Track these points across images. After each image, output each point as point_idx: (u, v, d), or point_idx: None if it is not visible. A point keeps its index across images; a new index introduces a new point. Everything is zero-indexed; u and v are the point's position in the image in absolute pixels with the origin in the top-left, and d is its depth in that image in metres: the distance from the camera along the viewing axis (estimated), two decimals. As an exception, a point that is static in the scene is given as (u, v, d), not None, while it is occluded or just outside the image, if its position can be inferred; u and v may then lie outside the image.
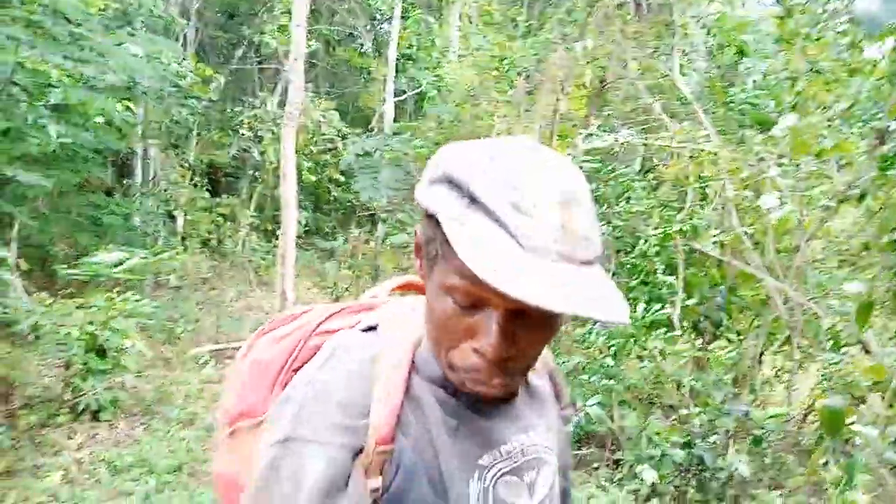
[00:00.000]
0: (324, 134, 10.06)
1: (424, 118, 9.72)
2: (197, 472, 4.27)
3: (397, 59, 10.29)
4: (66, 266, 4.78)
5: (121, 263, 4.70)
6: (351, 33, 12.08)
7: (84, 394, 4.72)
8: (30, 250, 5.57)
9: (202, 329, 7.40)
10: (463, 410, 0.79)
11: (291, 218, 7.35)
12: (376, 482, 0.74)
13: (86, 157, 5.71)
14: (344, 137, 9.30)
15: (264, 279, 9.97)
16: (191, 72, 7.78)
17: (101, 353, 4.90)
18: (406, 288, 1.00)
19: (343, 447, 0.73)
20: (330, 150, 9.61)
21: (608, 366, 4.19)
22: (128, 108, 5.32)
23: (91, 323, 4.73)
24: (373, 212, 11.21)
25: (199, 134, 10.39)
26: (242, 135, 10.16)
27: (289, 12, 7.83)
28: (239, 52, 11.42)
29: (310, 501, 0.69)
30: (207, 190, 10.49)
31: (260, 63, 11.66)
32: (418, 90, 10.73)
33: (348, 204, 11.67)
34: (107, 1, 4.71)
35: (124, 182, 9.49)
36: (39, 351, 4.53)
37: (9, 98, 4.65)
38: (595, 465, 4.29)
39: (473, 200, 0.68)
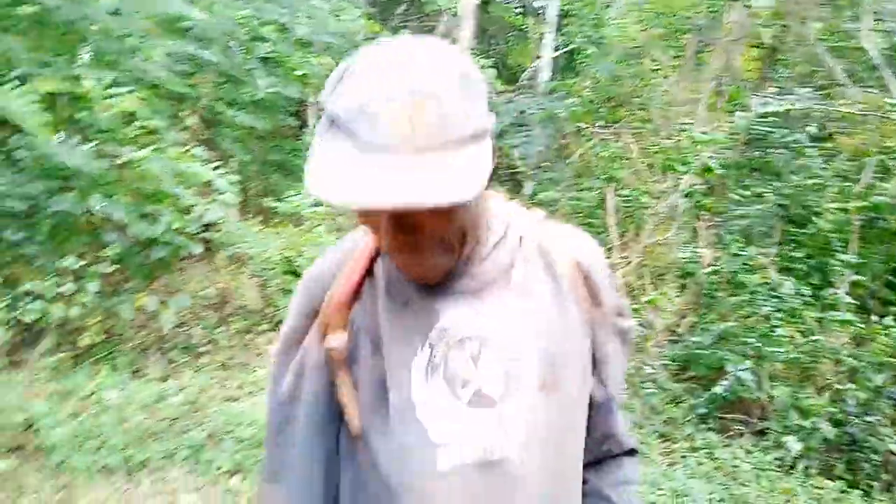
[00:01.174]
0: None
1: (579, 76, 9.71)
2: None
3: (557, 15, 10.30)
4: (274, 200, 5.49)
5: (319, 204, 5.35)
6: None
7: (280, 309, 5.50)
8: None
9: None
10: (413, 290, 0.86)
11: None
12: (338, 340, 0.87)
13: (282, 106, 6.42)
14: (500, 94, 9.54)
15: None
16: (363, 28, 8.34)
17: (295, 274, 5.67)
18: None
19: (301, 314, 0.93)
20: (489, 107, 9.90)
21: (764, 332, 4.21)
22: (322, 63, 5.90)
23: (287, 249, 5.48)
24: (516, 170, 11.48)
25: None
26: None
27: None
28: (400, 10, 11.89)
29: (272, 363, 0.95)
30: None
31: (420, 20, 12.08)
32: (570, 47, 10.68)
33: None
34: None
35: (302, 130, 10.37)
36: (248, 271, 5.32)
37: (227, 50, 5.37)
38: (740, 430, 4.34)
39: (331, 120, 0.72)
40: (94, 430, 3.41)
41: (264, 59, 5.53)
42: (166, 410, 3.72)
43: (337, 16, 7.00)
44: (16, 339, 4.09)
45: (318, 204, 5.54)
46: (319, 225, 5.67)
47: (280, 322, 4.81)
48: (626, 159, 8.06)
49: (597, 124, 8.54)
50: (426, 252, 0.79)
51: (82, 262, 3.98)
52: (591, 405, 0.94)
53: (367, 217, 0.79)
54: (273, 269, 5.40)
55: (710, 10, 6.31)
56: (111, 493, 3.13)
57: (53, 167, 3.79)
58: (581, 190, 8.23)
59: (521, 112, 9.79)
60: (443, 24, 11.20)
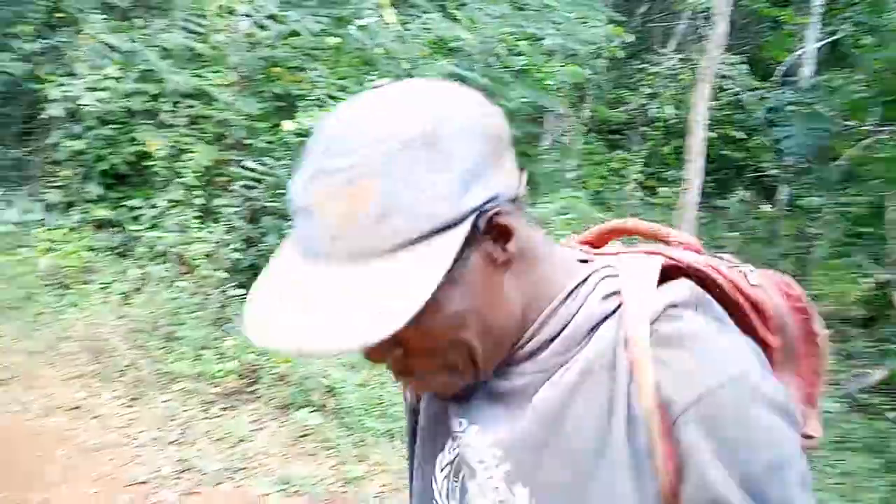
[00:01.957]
0: (725, 89, 9.78)
1: (849, 69, 8.68)
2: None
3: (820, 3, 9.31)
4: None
5: (567, 211, 5.59)
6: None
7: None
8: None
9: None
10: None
11: (695, 172, 7.49)
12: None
13: (527, 114, 6.75)
14: (752, 90, 8.92)
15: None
16: (608, 34, 8.37)
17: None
18: (617, 234, 0.81)
19: None
20: (737, 104, 9.31)
21: None
22: (573, 72, 6.10)
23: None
24: (765, 173, 10.59)
25: (598, 90, 11.07)
26: (642, 91, 10.51)
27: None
28: (642, 9, 11.67)
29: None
30: (603, 145, 11.20)
31: (663, 19, 11.74)
32: (835, 37, 9.57)
33: (736, 164, 11.18)
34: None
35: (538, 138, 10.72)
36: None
37: (488, 66, 5.81)
38: None
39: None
40: (379, 397, 3.98)
41: (518, 71, 5.87)
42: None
43: (584, 22, 7.15)
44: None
45: (565, 211, 5.73)
46: (567, 232, 5.88)
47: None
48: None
49: (871, 122, 7.59)
50: (426, 375, 0.65)
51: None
52: None
53: None
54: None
55: None
56: (393, 455, 3.64)
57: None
58: (852, 195, 7.34)
59: (773, 109, 9.05)
60: (685, 22, 10.78)
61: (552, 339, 0.64)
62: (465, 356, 0.62)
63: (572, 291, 0.64)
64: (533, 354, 0.65)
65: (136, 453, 3.56)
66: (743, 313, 0.68)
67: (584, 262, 0.70)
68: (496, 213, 0.58)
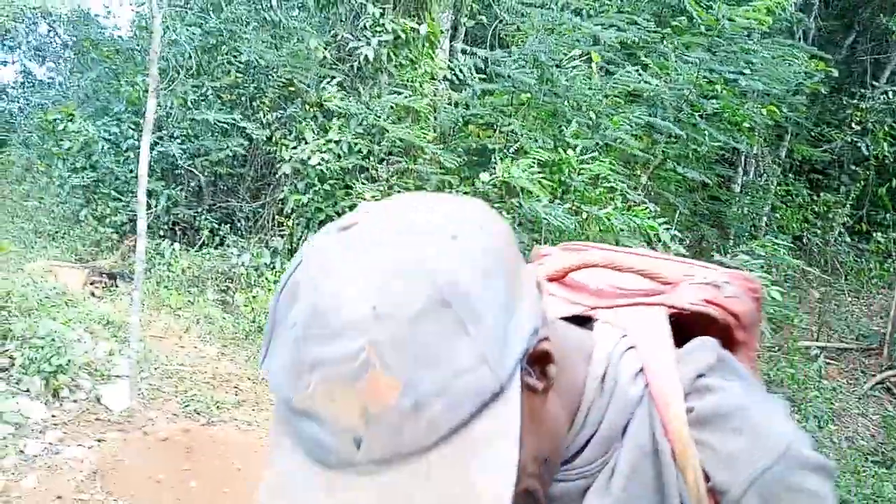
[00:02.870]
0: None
1: None
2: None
3: None
4: (721, 254, 5.62)
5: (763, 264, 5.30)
6: None
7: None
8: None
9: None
10: None
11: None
12: None
13: (718, 157, 6.50)
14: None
15: (852, 285, 9.29)
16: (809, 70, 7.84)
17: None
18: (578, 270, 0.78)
19: None
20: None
21: None
22: (770, 111, 5.82)
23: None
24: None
25: (798, 128, 10.30)
26: (849, 128, 9.60)
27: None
28: (849, 40, 10.75)
29: None
30: (804, 187, 10.34)
31: (875, 50, 10.71)
32: None
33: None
34: (763, 17, 5.23)
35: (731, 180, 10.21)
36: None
37: (678, 111, 5.73)
38: None
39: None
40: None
41: (711, 115, 5.73)
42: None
43: (783, 60, 6.80)
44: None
45: (763, 263, 5.41)
46: (766, 285, 5.53)
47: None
48: None
49: None
50: None
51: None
52: None
53: None
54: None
55: None
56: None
57: (538, 222, 4.65)
58: None
59: None
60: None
61: (589, 439, 0.60)
62: (535, 498, 0.57)
63: (602, 382, 0.61)
64: (574, 457, 0.60)
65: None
66: (733, 335, 0.70)
67: (584, 319, 0.69)
68: (536, 348, 0.50)
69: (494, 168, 5.02)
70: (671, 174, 5.76)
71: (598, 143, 5.16)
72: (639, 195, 5.02)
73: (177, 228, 7.32)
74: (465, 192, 5.23)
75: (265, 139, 6.43)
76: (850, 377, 6.66)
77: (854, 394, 6.23)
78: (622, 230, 4.57)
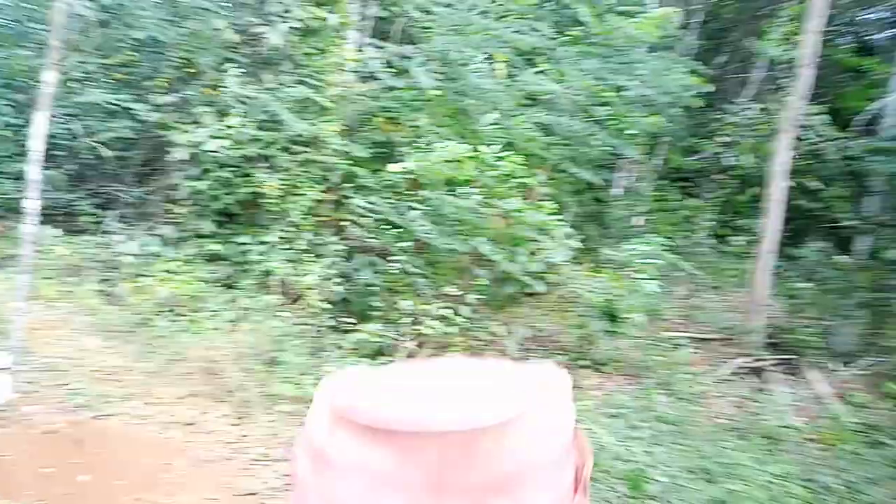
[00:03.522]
0: (803, 139, 9.74)
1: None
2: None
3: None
4: (610, 248, 6.02)
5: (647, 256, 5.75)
6: (851, 32, 11.26)
7: (599, 347, 5.98)
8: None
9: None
10: None
11: (774, 220, 7.50)
12: None
13: (605, 161, 6.97)
14: (833, 140, 8.88)
15: (714, 282, 10.26)
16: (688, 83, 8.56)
17: (613, 318, 6.09)
18: None
19: None
20: (814, 154, 9.27)
21: None
22: (654, 121, 6.32)
23: (607, 293, 5.94)
24: (839, 224, 10.37)
25: (675, 138, 11.17)
26: (717, 140, 10.57)
27: (797, 19, 7.90)
28: (721, 59, 11.79)
29: None
30: (677, 193, 11.24)
31: (740, 69, 11.82)
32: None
33: (813, 214, 10.99)
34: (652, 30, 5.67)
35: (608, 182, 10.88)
36: (575, 311, 5.90)
37: (572, 117, 6.09)
38: None
39: None
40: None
41: (601, 121, 6.14)
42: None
43: (666, 74, 7.38)
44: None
45: (647, 256, 5.89)
46: (644, 274, 6.02)
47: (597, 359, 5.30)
48: None
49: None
50: None
51: (459, 292, 4.91)
52: None
53: None
54: (594, 309, 5.89)
55: None
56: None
57: (448, 214, 4.80)
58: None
59: (852, 159, 8.95)
60: (762, 72, 10.83)
61: None
62: None
63: None
64: None
65: (246, 467, 3.86)
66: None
67: None
68: None
69: (402, 161, 5.11)
70: (564, 175, 6.11)
71: (504, 142, 5.39)
72: (542, 192, 5.31)
73: (54, 213, 6.78)
74: (373, 184, 5.28)
75: (156, 122, 6.11)
76: (711, 363, 7.37)
77: (714, 378, 6.91)
78: (530, 224, 4.80)
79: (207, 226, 5.96)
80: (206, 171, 5.75)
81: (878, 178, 8.74)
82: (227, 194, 5.73)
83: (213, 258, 5.90)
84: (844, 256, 9.81)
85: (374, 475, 0.52)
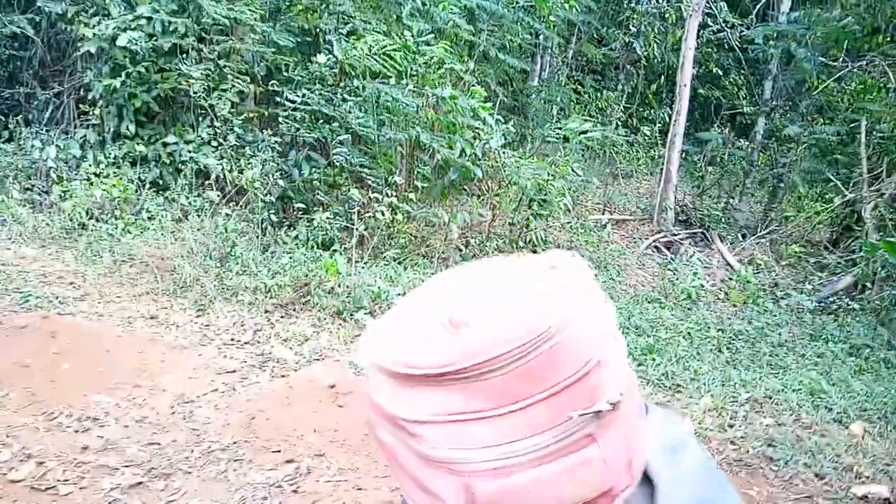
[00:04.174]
0: (705, 27, 10.21)
1: (827, 3, 9.17)
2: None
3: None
4: (547, 129, 6.27)
5: (584, 132, 6.06)
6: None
7: (532, 230, 6.36)
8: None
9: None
10: None
11: (683, 104, 8.00)
12: None
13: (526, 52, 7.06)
14: (732, 27, 9.38)
15: (625, 169, 10.90)
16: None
17: (543, 202, 6.46)
18: None
19: None
20: (716, 43, 9.77)
21: None
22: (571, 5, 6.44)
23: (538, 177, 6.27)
24: (737, 110, 11.15)
25: (587, 27, 11.33)
26: (626, 30, 10.85)
27: None
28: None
29: None
30: (590, 84, 11.57)
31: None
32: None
33: (715, 101, 11.70)
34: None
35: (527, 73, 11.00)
36: (510, 193, 6.20)
37: (497, 1, 6.09)
38: None
39: None
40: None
41: (525, 7, 6.21)
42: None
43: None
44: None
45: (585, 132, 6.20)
46: (570, 158, 6.37)
47: (531, 242, 5.69)
48: (882, 90, 7.61)
49: (844, 55, 8.11)
50: None
51: (403, 181, 5.06)
52: None
53: None
54: (526, 194, 6.23)
55: None
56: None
57: (382, 104, 4.85)
58: (824, 124, 7.93)
59: (750, 43, 9.50)
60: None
61: None
62: None
63: None
64: None
65: (220, 351, 4.01)
66: None
67: None
68: None
69: (329, 50, 5.02)
70: (490, 64, 6.22)
71: (431, 29, 5.39)
72: (470, 79, 5.41)
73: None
74: (301, 75, 5.19)
75: (59, 14, 5.63)
76: (630, 241, 8.02)
77: (634, 253, 7.55)
78: (464, 111, 4.93)
79: (128, 126, 5.69)
80: (118, 66, 5.42)
81: (772, 62, 9.38)
82: (144, 91, 5.46)
83: (139, 160, 5.69)
84: (744, 140, 10.66)
85: (449, 417, 0.53)
